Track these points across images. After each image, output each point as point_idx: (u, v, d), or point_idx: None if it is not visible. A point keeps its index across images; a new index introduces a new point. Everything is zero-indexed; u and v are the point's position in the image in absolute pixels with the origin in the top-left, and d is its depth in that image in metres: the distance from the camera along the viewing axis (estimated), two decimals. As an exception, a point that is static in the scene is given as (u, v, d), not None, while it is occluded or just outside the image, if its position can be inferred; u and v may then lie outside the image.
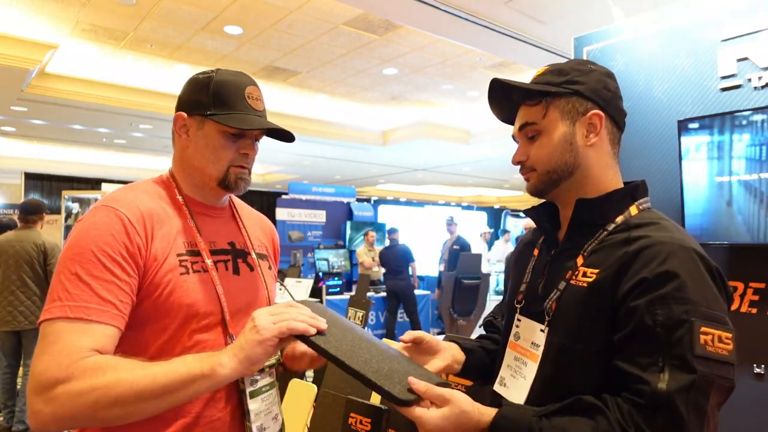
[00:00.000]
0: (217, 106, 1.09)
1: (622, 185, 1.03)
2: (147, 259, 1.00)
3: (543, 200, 1.10)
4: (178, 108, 1.14)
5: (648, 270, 0.85)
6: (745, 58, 1.95)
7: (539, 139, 1.01)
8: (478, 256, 7.11)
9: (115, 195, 1.07)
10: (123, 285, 0.96)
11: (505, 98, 1.06)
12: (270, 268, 1.27)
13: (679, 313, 0.82)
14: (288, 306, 0.97)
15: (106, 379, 0.86)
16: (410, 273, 7.69)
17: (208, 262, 1.09)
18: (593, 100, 0.99)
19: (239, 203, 1.31)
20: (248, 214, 1.31)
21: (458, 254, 7.22)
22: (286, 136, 1.18)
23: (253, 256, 1.21)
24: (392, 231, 8.05)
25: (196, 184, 1.15)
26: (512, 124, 1.09)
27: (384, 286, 7.85)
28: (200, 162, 1.12)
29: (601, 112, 0.99)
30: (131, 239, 0.99)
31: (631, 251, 0.89)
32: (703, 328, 0.81)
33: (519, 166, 1.07)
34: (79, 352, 0.88)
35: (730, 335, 0.83)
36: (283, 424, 1.17)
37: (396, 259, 7.52)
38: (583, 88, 0.99)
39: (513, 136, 1.08)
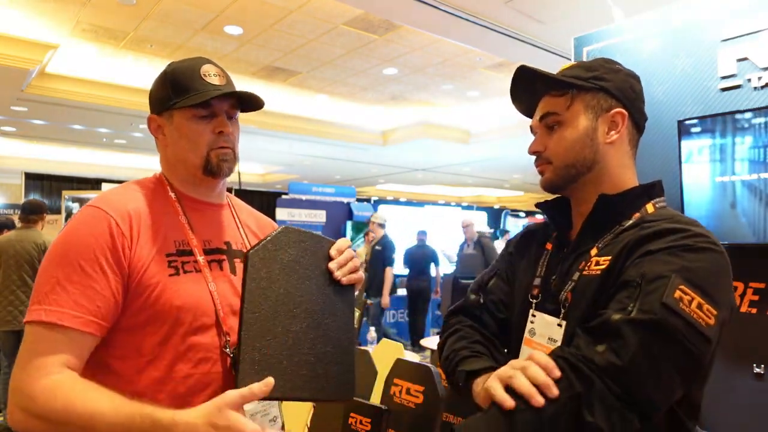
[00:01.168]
0: (178, 95, 1.08)
1: (638, 185, 1.03)
2: (131, 259, 0.99)
3: (554, 195, 1.09)
4: (150, 111, 1.14)
5: (655, 245, 0.85)
6: (745, 58, 1.95)
7: (559, 130, 1.01)
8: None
9: (104, 195, 1.06)
10: (102, 289, 0.96)
11: (528, 88, 1.05)
12: None
13: (664, 270, 0.81)
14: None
15: (58, 409, 0.89)
16: (432, 275, 8.04)
17: (201, 260, 1.07)
18: (618, 98, 0.99)
19: (237, 202, 1.29)
20: (246, 212, 1.29)
21: (380, 255, 7.27)
22: (255, 103, 1.14)
23: None
24: (421, 233, 8.38)
25: (184, 179, 1.14)
26: (530, 116, 1.08)
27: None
28: (180, 154, 1.11)
29: (624, 111, 0.99)
30: (114, 240, 0.98)
31: (643, 234, 0.89)
32: (682, 287, 0.79)
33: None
34: (46, 368, 0.92)
35: (714, 312, 0.79)
36: (283, 427, 1.15)
37: (422, 260, 7.93)
38: (609, 85, 0.99)
39: (531, 127, 1.07)
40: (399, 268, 11.21)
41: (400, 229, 13.36)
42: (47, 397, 0.90)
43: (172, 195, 1.12)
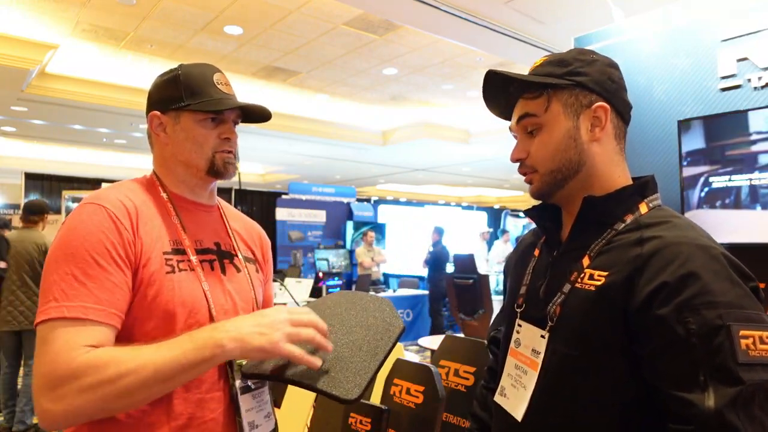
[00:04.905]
0: (190, 97, 1.10)
1: (630, 182, 0.96)
2: (136, 254, 1.00)
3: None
4: (150, 108, 1.14)
5: (667, 273, 0.79)
6: (745, 58, 1.95)
7: (540, 134, 0.95)
8: (471, 256, 7.10)
9: (99, 193, 1.06)
10: (118, 282, 0.96)
11: (501, 91, 1.01)
12: (257, 271, 1.25)
13: (712, 318, 0.75)
14: (305, 325, 0.96)
15: (110, 372, 0.88)
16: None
17: (194, 259, 1.08)
18: (597, 91, 0.93)
19: (226, 206, 1.29)
20: (235, 217, 1.29)
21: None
22: (262, 116, 1.18)
23: (240, 257, 1.20)
24: (442, 232, 8.63)
25: (181, 180, 1.15)
26: (508, 119, 1.03)
27: (383, 286, 7.93)
28: (184, 156, 1.12)
29: (606, 105, 0.93)
30: (121, 235, 0.99)
31: (645, 253, 0.82)
32: (741, 332, 0.74)
33: (518, 165, 1.00)
34: (79, 349, 0.90)
35: None
36: (276, 424, 1.16)
37: (446, 260, 8.27)
38: (586, 80, 0.93)
39: (510, 129, 1.02)
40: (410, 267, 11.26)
41: (400, 229, 13.38)
42: (94, 367, 0.88)
43: (164, 195, 1.13)
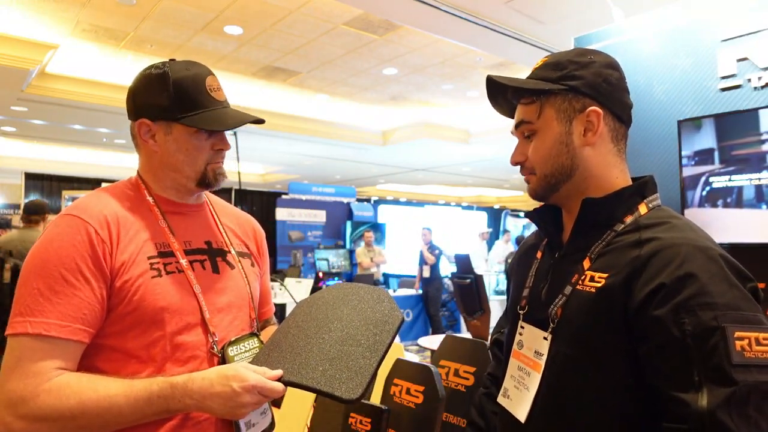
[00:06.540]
0: (183, 109, 1.05)
1: (629, 182, 0.97)
2: (113, 265, 0.99)
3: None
4: (138, 112, 1.09)
5: (665, 275, 0.79)
6: (745, 58, 1.95)
7: (534, 139, 0.96)
8: (467, 257, 7.11)
9: (80, 202, 1.05)
10: (87, 297, 0.96)
11: (502, 95, 1.02)
12: (253, 265, 1.24)
13: (708, 319, 0.75)
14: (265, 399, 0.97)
15: (71, 405, 0.91)
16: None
17: (183, 262, 1.07)
18: (590, 96, 0.93)
19: (216, 201, 1.28)
20: (226, 211, 1.27)
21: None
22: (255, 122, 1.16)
23: (233, 253, 1.19)
24: (431, 231, 8.61)
25: (168, 186, 1.13)
26: (513, 117, 1.04)
27: (384, 285, 7.94)
28: (174, 166, 1.10)
29: (599, 109, 0.92)
30: (94, 248, 0.98)
31: (643, 254, 0.83)
32: (737, 333, 0.75)
33: (518, 167, 1.02)
34: (45, 374, 0.92)
35: (767, 335, 0.76)
36: (273, 420, 1.16)
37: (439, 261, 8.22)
38: (579, 84, 0.93)
39: (511, 133, 1.04)
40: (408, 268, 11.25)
41: (400, 230, 13.39)
42: (56, 398, 0.90)
43: (150, 199, 1.11)
